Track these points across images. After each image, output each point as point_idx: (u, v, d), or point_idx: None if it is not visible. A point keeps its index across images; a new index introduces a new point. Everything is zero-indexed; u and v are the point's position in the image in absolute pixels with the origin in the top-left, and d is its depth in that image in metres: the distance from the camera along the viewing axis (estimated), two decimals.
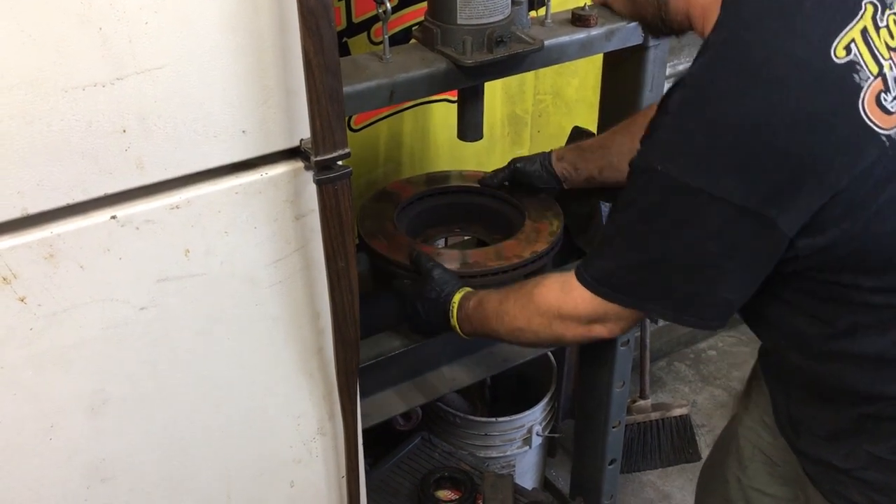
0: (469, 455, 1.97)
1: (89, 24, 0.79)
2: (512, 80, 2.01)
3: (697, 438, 2.49)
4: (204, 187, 0.93)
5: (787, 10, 0.92)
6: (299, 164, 0.97)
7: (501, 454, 2.02)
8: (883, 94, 0.91)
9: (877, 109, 0.90)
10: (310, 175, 0.96)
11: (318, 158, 0.93)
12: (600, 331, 1.14)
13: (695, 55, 1.00)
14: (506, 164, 1.64)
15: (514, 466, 2.06)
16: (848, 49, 0.90)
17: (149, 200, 0.90)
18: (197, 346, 1.01)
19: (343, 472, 1.22)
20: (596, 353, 1.85)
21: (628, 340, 1.78)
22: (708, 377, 2.82)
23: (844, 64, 0.89)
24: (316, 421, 1.16)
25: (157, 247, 0.92)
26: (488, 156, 1.70)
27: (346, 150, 0.94)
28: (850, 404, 1.13)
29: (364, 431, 1.24)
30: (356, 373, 1.13)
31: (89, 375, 0.94)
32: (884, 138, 0.91)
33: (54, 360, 0.91)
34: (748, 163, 0.90)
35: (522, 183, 1.61)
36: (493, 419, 1.99)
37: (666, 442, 2.45)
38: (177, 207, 0.92)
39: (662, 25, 1.12)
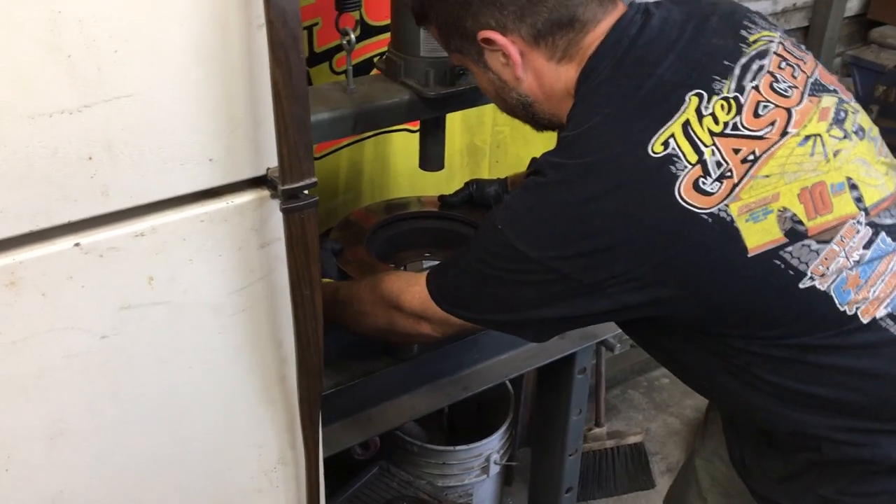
0: (427, 484, 1.96)
1: (58, 51, 0.79)
2: (471, 112, 2.04)
3: (651, 466, 2.52)
4: (169, 215, 0.93)
5: (616, 114, 1.04)
6: (265, 193, 0.98)
7: (459, 483, 2.02)
8: (702, 179, 1.00)
9: (694, 193, 1.00)
10: (276, 203, 0.97)
11: (285, 187, 0.94)
12: (427, 329, 1.25)
13: None
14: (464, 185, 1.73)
15: (471, 495, 2.06)
16: (665, 144, 1.00)
17: (113, 228, 0.90)
18: (158, 375, 1.00)
19: (304, 502, 1.21)
20: (553, 381, 1.87)
21: (585, 368, 1.80)
22: (661, 405, 2.86)
23: (661, 158, 1.00)
24: (277, 451, 1.15)
25: (120, 274, 0.92)
26: (448, 185, 1.72)
27: (313, 180, 0.95)
28: (795, 448, 1.16)
29: (323, 461, 1.24)
30: (319, 401, 1.13)
31: (48, 405, 0.93)
32: (705, 216, 1.00)
33: (12, 389, 0.90)
34: (567, 240, 1.03)
35: (480, 203, 1.70)
36: (452, 448, 1.99)
37: (621, 469, 2.47)
38: (141, 235, 0.91)
39: (536, 125, 1.25)
